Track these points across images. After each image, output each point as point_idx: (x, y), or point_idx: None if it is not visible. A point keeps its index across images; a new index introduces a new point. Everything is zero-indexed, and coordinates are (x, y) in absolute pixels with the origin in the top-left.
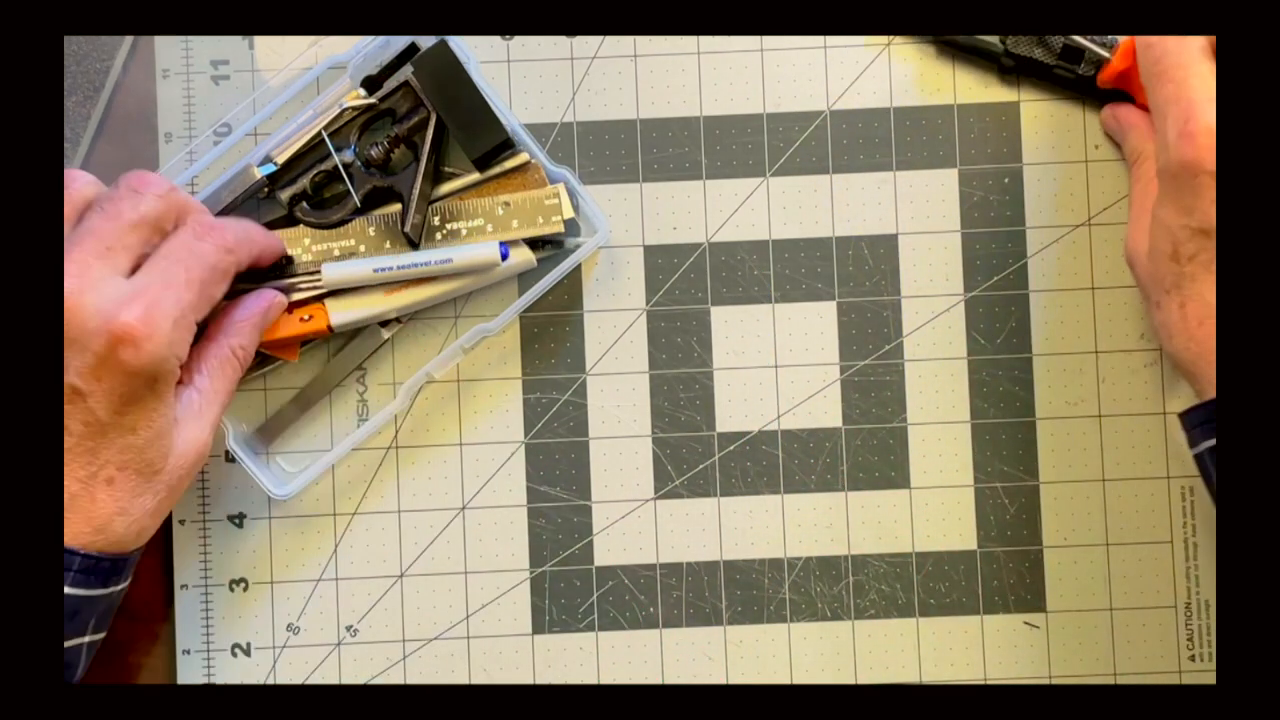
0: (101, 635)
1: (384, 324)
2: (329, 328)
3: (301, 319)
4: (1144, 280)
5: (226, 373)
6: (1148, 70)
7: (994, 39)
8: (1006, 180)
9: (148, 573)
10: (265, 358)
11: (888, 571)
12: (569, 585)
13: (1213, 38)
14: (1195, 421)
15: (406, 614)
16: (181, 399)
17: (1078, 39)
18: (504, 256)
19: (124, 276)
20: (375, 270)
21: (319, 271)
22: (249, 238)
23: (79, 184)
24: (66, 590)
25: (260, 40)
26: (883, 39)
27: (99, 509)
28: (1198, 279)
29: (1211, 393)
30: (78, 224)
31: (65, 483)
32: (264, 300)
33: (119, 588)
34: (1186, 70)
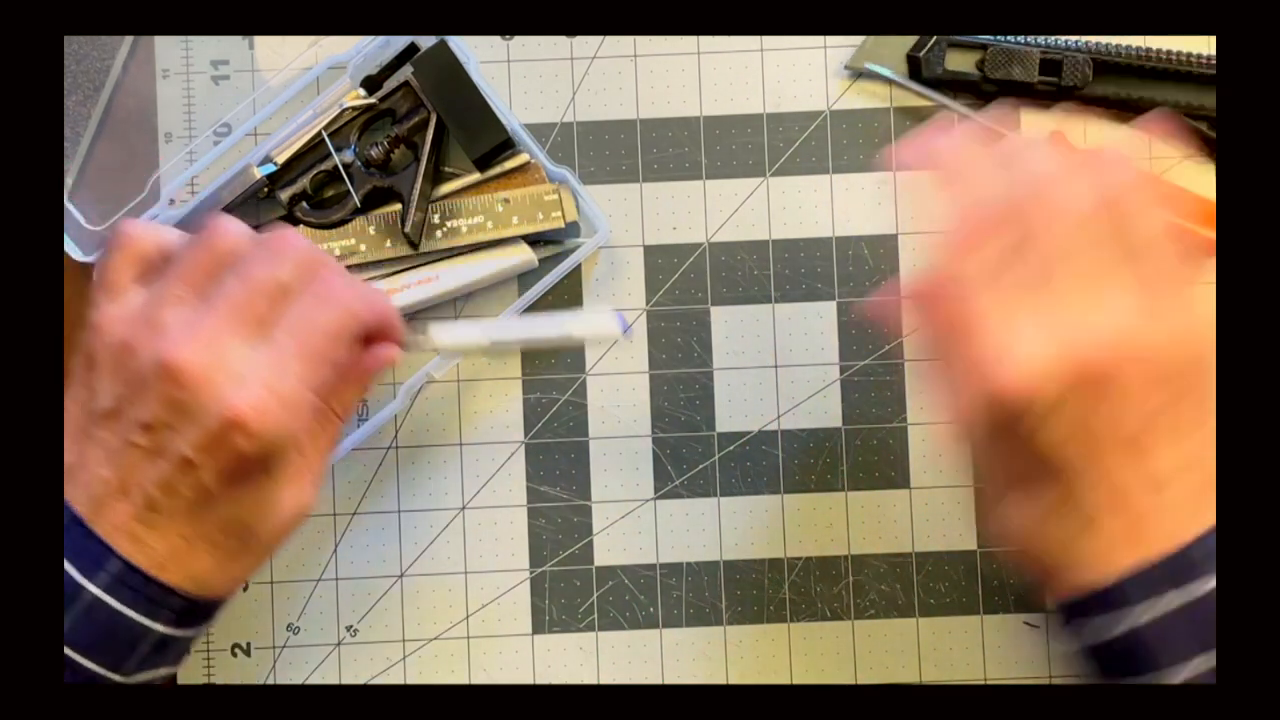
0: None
1: None
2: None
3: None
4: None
5: (329, 432)
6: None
7: (971, 68)
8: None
9: None
10: None
11: (888, 571)
12: (569, 585)
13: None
14: (1063, 620)
15: (406, 614)
16: (287, 459)
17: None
18: (624, 329)
19: (249, 346)
20: (491, 342)
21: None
22: (375, 305)
23: (228, 235)
24: (161, 628)
25: (260, 40)
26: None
27: (199, 565)
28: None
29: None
30: (218, 282)
31: (169, 537)
32: (378, 361)
33: (206, 626)
34: (980, 303)
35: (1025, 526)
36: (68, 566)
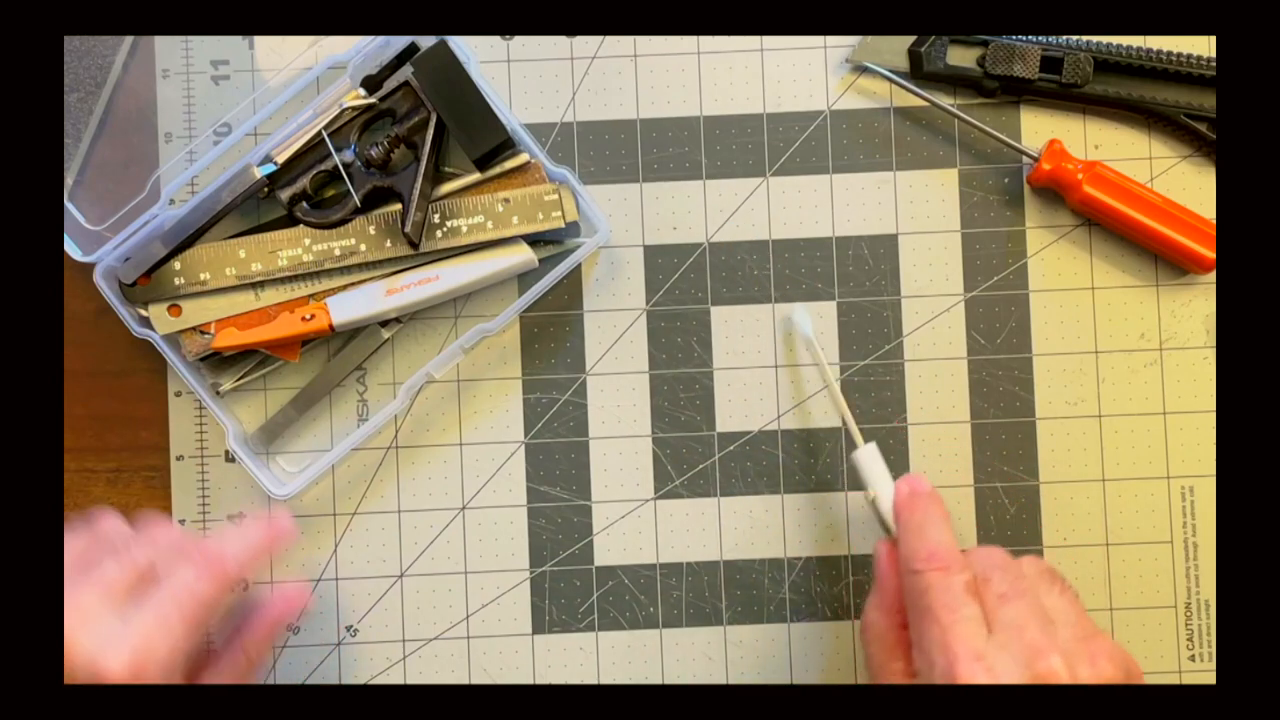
0: None
1: (384, 324)
2: (331, 327)
3: (303, 319)
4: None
5: (237, 668)
6: (913, 601)
7: (972, 63)
8: (1007, 180)
9: None
10: (266, 358)
11: None
12: (569, 585)
13: (970, 575)
14: None
15: (406, 614)
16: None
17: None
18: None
19: (122, 617)
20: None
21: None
22: (253, 557)
23: (104, 526)
24: None
25: (260, 40)
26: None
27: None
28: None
29: None
30: (92, 566)
31: None
32: (281, 616)
33: None
34: (954, 614)
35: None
36: None
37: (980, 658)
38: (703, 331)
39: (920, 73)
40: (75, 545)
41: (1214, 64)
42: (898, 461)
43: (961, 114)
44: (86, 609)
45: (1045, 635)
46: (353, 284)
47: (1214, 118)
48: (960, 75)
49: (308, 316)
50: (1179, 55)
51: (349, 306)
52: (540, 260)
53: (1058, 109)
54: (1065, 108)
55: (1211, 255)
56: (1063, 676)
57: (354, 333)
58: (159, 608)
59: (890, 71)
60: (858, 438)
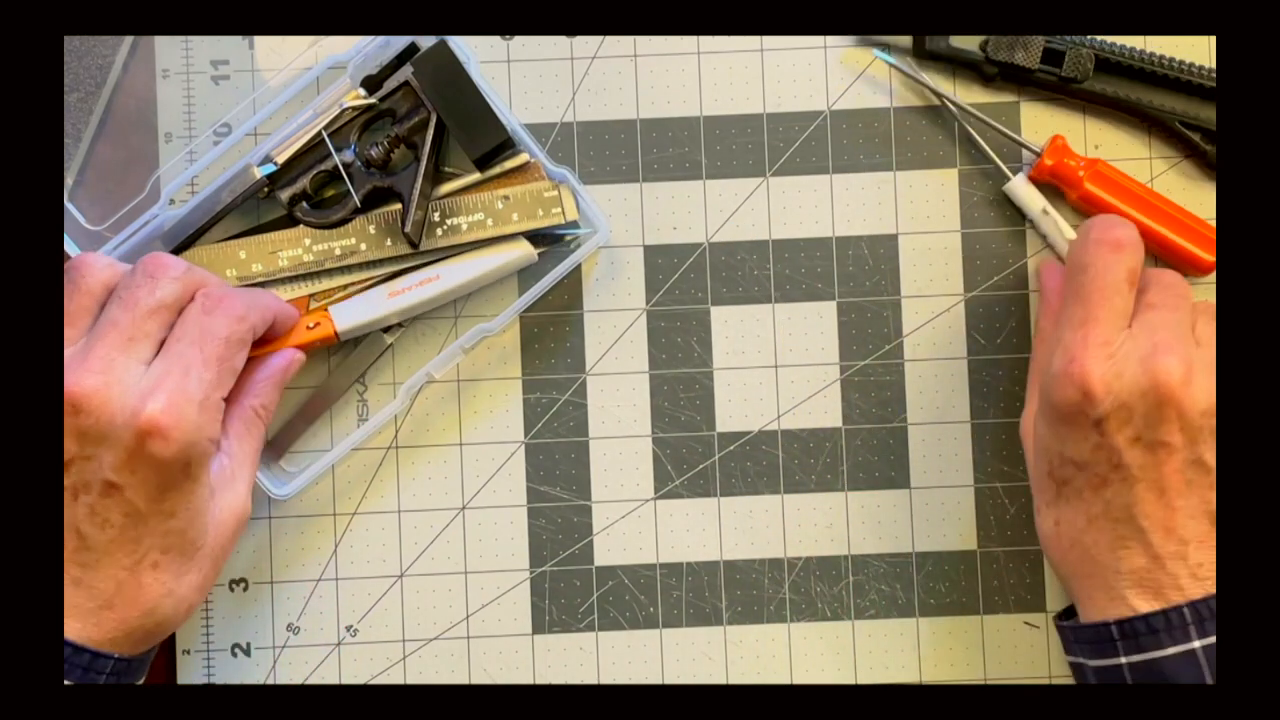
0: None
1: (386, 329)
2: (336, 334)
3: (308, 326)
4: (1031, 474)
5: (253, 434)
6: (1073, 275)
7: (975, 47)
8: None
9: None
10: None
11: (888, 571)
12: (569, 585)
13: (1136, 265)
14: (1073, 638)
15: (406, 614)
16: (213, 468)
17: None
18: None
19: (146, 364)
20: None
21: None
22: (260, 304)
23: (96, 271)
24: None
25: (260, 40)
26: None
27: (146, 593)
28: (1070, 502)
29: (1081, 607)
30: (99, 314)
31: (111, 571)
32: (284, 359)
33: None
34: (1103, 300)
35: (1071, 530)
36: None
37: (1107, 343)
38: (703, 331)
39: (922, 51)
40: (74, 301)
41: (1214, 75)
42: (898, 461)
43: (963, 104)
44: (107, 360)
45: (1178, 340)
46: (354, 284)
47: (1209, 129)
48: (961, 58)
49: (311, 325)
50: (1180, 62)
51: (352, 313)
52: (540, 258)
53: (1058, 109)
54: (1066, 106)
55: (1209, 258)
56: (1175, 379)
57: (357, 340)
58: (180, 352)
59: (895, 59)
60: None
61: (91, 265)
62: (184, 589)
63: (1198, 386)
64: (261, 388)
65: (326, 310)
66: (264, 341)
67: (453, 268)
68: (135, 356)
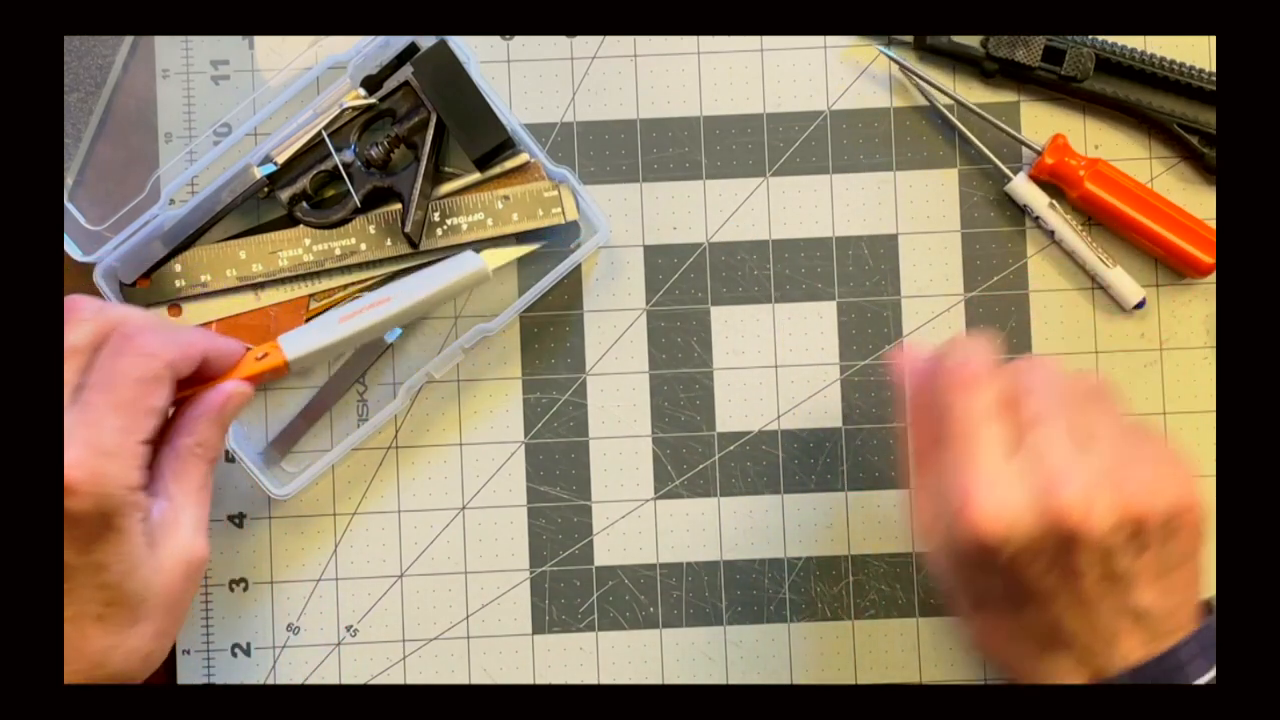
0: None
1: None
2: (286, 364)
3: (256, 358)
4: (943, 587)
5: (191, 474)
6: (939, 417)
7: (975, 43)
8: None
9: None
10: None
11: (888, 571)
12: (569, 585)
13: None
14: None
15: (406, 614)
16: (152, 513)
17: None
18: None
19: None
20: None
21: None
22: (180, 340)
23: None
24: None
25: (260, 40)
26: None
27: (92, 645)
28: (989, 618)
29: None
30: None
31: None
32: (220, 394)
33: None
34: (977, 439)
35: (994, 642)
36: None
37: (994, 484)
38: (703, 331)
39: (923, 46)
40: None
41: (1213, 78)
42: (898, 461)
43: (965, 101)
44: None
45: (1069, 463)
46: (354, 284)
47: (1207, 131)
48: (962, 53)
49: (260, 356)
50: (1179, 64)
51: (303, 341)
52: (539, 258)
53: (1058, 109)
54: (1066, 106)
55: (1208, 260)
56: (1075, 516)
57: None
58: (88, 400)
59: (897, 55)
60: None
61: (75, 307)
62: (135, 640)
63: (1099, 511)
64: (197, 425)
65: (276, 340)
66: (209, 377)
67: (404, 287)
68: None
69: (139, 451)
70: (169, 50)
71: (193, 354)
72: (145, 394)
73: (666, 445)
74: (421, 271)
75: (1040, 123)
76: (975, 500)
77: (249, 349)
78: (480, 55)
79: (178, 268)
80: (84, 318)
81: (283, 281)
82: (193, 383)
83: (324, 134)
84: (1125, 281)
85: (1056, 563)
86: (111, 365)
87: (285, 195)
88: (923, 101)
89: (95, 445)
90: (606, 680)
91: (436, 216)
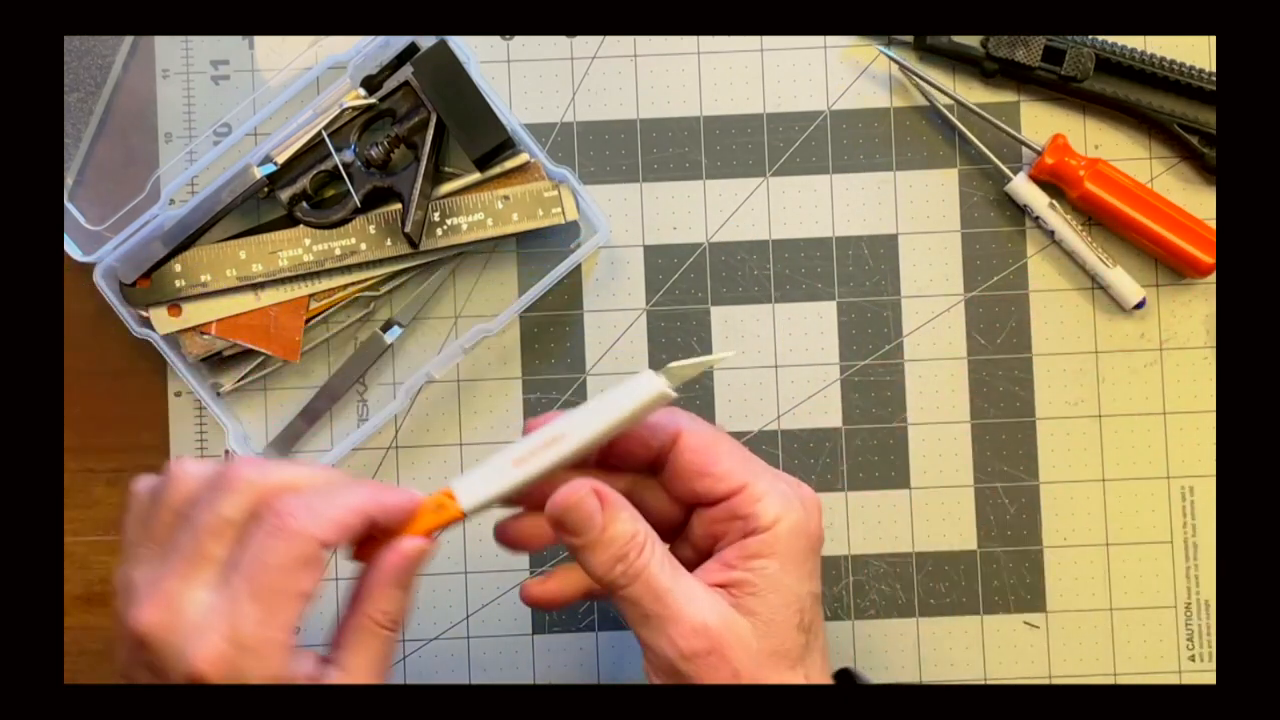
0: None
1: (386, 328)
2: (463, 514)
3: (433, 509)
4: (763, 650)
5: (370, 645)
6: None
7: (976, 43)
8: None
9: None
10: (266, 359)
11: (888, 571)
12: None
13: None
14: None
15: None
16: (327, 679)
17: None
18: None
19: (209, 589)
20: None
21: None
22: (339, 511)
23: (181, 483)
24: None
25: (260, 40)
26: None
27: None
28: (815, 645)
29: None
30: (176, 533)
31: None
32: (397, 555)
33: None
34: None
35: (816, 678)
36: None
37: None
38: (703, 331)
39: (923, 45)
40: (159, 513)
41: (1213, 78)
42: (898, 461)
43: (966, 101)
44: (168, 593)
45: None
46: (354, 284)
47: (1208, 131)
48: (962, 53)
49: (435, 508)
50: (1179, 65)
51: (478, 490)
52: (539, 257)
53: (1058, 109)
54: (1066, 106)
55: (1208, 260)
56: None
57: (357, 340)
58: (232, 584)
59: (897, 55)
60: None
61: (178, 478)
62: None
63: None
64: (374, 592)
65: (448, 487)
66: (383, 532)
67: (578, 420)
68: (198, 584)
69: (282, 640)
70: (169, 50)
71: (353, 523)
72: (293, 579)
73: None
74: (596, 400)
75: (1040, 123)
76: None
77: (421, 499)
78: (480, 55)
79: (178, 268)
80: (238, 488)
81: (283, 281)
82: (368, 539)
83: (324, 134)
84: (1125, 281)
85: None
86: (259, 546)
87: (285, 195)
88: (923, 101)
89: (233, 638)
90: (606, 680)
91: (436, 216)
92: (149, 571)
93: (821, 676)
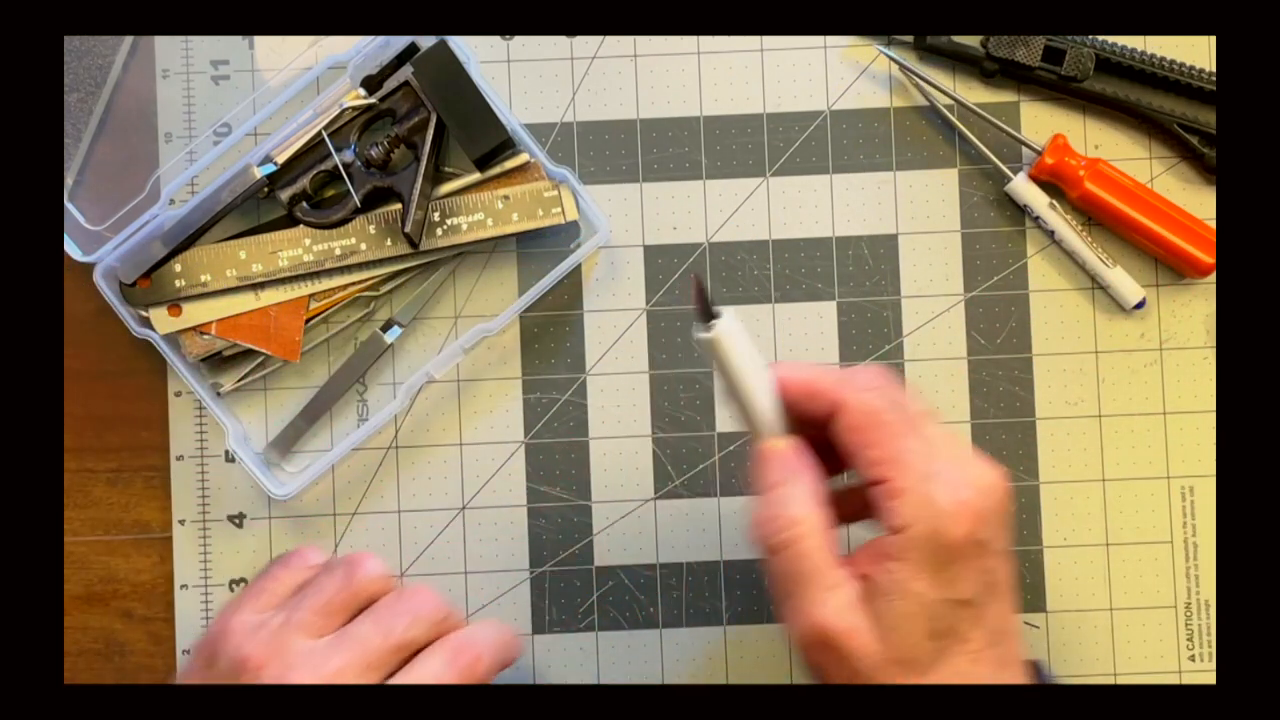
0: None
1: (386, 328)
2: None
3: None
4: (867, 668)
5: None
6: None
7: (976, 43)
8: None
9: (148, 572)
10: (266, 358)
11: None
12: (569, 585)
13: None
14: None
15: None
16: None
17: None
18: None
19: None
20: None
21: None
22: (500, 659)
23: (371, 575)
24: None
25: (260, 40)
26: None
27: None
28: (951, 656)
29: None
30: (353, 622)
31: None
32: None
33: None
34: (919, 429)
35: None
36: None
37: (966, 463)
38: None
39: (923, 45)
40: (335, 590)
41: (1213, 78)
42: None
43: (966, 101)
44: (346, 677)
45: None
46: (354, 284)
47: (1208, 131)
48: (962, 53)
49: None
50: (1179, 64)
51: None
52: (539, 257)
53: (1058, 109)
54: (1066, 106)
55: (1208, 260)
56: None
57: (357, 340)
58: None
59: (897, 55)
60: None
61: (360, 566)
62: None
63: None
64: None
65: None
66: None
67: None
68: (364, 680)
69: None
70: (169, 50)
71: (505, 659)
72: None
73: (666, 445)
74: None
75: (1040, 123)
76: (965, 479)
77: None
78: (480, 55)
79: (178, 268)
80: (429, 618)
81: (283, 281)
82: None
83: (324, 134)
84: (1125, 281)
85: (1000, 533)
86: (434, 672)
87: (285, 195)
88: (923, 101)
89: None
90: (606, 680)
91: (436, 216)
92: (312, 646)
93: (978, 677)
